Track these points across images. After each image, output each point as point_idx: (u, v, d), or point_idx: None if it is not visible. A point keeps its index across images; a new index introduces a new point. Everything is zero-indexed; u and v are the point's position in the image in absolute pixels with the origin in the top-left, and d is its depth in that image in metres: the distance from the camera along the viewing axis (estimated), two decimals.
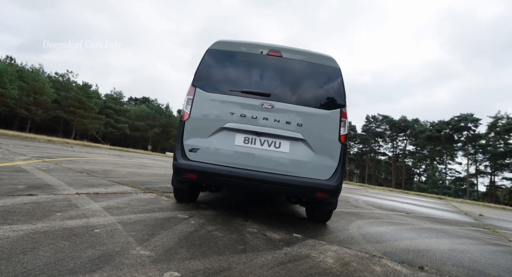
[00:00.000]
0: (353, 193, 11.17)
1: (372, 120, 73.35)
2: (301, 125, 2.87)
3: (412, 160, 69.22)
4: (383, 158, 74.10)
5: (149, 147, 52.38)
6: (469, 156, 55.83)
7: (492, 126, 52.17)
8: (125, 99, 69.06)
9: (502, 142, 50.73)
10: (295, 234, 2.70)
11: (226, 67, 3.14)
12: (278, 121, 2.87)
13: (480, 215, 9.21)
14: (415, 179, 70.08)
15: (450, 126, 57.24)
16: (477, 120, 53.96)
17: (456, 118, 56.38)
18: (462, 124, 55.50)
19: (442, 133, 57.48)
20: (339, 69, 3.11)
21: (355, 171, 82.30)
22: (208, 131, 2.89)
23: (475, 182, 57.08)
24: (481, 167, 55.71)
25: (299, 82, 3.08)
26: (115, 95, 62.10)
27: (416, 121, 66.40)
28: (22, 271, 1.25)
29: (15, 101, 40.77)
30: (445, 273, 2.19)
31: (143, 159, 13.55)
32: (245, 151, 2.82)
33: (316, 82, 3.10)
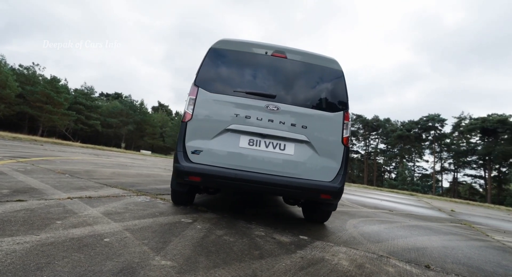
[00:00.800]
0: None
1: None
2: (306, 127, 2.87)
3: (383, 158, 72.26)
4: (355, 156, 76.74)
5: (123, 144, 50.41)
6: (435, 154, 59.28)
7: (456, 126, 55.73)
8: (96, 95, 65.94)
9: (465, 141, 54.46)
10: (301, 236, 2.70)
11: (229, 66, 3.07)
12: (283, 123, 2.85)
13: (452, 210, 9.82)
14: (385, 176, 73.29)
15: (419, 126, 60.36)
16: (443, 120, 57.36)
17: (424, 118, 59.54)
18: (430, 124, 58.76)
19: (411, 132, 60.48)
20: (342, 72, 3.15)
21: None
22: (211, 132, 2.81)
23: (440, 178, 60.77)
24: (446, 165, 59.39)
25: (303, 84, 3.08)
26: (85, 90, 59.00)
27: (387, 120, 69.30)
28: None
29: None
30: (450, 271, 2.29)
31: (120, 158, 13.02)
32: (250, 153, 2.78)
33: (320, 84, 3.11)
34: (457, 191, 56.97)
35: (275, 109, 2.85)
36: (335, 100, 3.06)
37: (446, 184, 61.15)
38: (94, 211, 2.49)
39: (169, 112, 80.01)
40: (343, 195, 9.80)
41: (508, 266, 2.77)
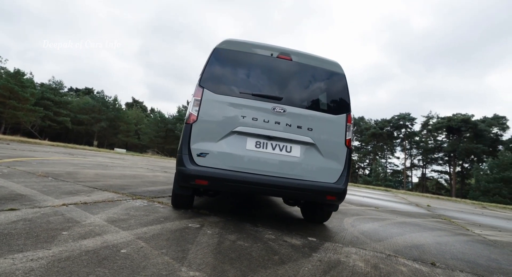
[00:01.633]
0: None
1: None
2: (311, 130, 2.89)
3: (357, 155, 74.81)
4: None
5: (95, 142, 48.12)
6: (406, 151, 62.29)
7: (424, 125, 58.89)
8: (65, 90, 62.32)
9: (432, 138, 57.74)
10: (309, 238, 2.72)
11: (234, 68, 3.01)
12: (290, 126, 2.85)
13: (428, 205, 10.38)
14: (360, 173, 75.99)
15: (391, 124, 63.02)
16: (413, 119, 60.28)
17: (396, 117, 62.24)
18: (401, 122, 61.52)
19: (384, 130, 63.06)
20: (344, 75, 3.19)
21: None
22: (217, 134, 2.75)
23: (410, 174, 64.00)
24: (415, 161, 62.63)
25: (308, 87, 3.09)
26: (54, 85, 55.51)
27: (361, 119, 71.74)
28: None
29: None
30: (454, 268, 2.41)
31: (98, 158, 12.42)
32: (257, 155, 2.75)
33: (324, 87, 3.14)
34: (425, 186, 60.31)
35: (282, 111, 2.84)
36: (338, 103, 3.11)
37: (415, 180, 64.50)
38: (97, 219, 2.35)
39: (144, 108, 77.38)
40: None
41: (498, 260, 2.96)
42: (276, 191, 2.76)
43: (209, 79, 2.88)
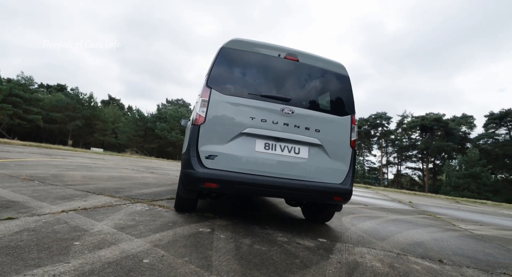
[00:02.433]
0: None
1: None
2: (319, 131, 2.90)
3: None
4: None
5: (70, 142, 45.98)
6: (382, 149, 64.58)
7: (400, 123, 61.35)
8: (36, 86, 58.93)
9: (407, 137, 60.27)
10: (319, 239, 2.74)
11: (242, 68, 2.96)
12: (298, 127, 2.84)
13: (410, 202, 10.80)
14: None
15: (368, 123, 65.07)
16: (389, 118, 62.58)
17: (373, 116, 64.33)
18: (378, 121, 63.69)
19: (362, 129, 64.98)
20: (349, 77, 3.23)
21: None
22: (226, 136, 2.69)
23: (386, 171, 66.47)
24: (391, 159, 65.09)
25: (315, 88, 3.10)
26: (23, 81, 52.29)
27: None
28: None
29: None
30: (459, 264, 2.51)
31: (77, 158, 11.85)
32: (266, 157, 2.72)
33: (330, 88, 3.16)
34: (400, 182, 62.86)
35: (290, 112, 2.82)
36: (343, 104, 3.14)
37: (391, 176, 67.04)
38: (104, 226, 2.22)
39: (121, 106, 74.74)
40: None
41: (493, 254, 3.12)
42: (285, 193, 2.75)
43: (216, 79, 2.81)
